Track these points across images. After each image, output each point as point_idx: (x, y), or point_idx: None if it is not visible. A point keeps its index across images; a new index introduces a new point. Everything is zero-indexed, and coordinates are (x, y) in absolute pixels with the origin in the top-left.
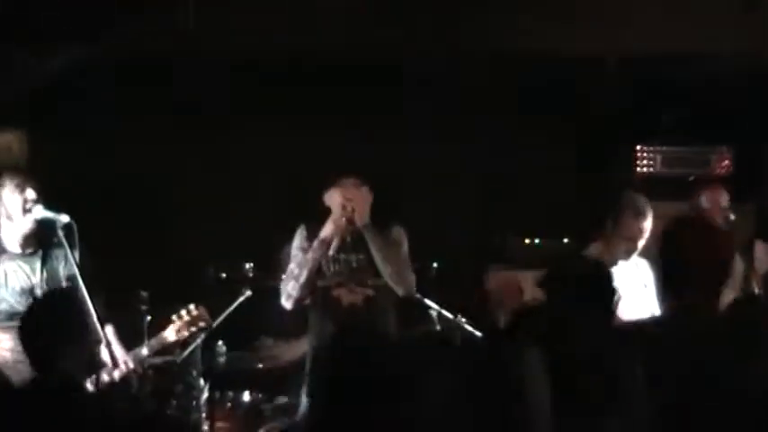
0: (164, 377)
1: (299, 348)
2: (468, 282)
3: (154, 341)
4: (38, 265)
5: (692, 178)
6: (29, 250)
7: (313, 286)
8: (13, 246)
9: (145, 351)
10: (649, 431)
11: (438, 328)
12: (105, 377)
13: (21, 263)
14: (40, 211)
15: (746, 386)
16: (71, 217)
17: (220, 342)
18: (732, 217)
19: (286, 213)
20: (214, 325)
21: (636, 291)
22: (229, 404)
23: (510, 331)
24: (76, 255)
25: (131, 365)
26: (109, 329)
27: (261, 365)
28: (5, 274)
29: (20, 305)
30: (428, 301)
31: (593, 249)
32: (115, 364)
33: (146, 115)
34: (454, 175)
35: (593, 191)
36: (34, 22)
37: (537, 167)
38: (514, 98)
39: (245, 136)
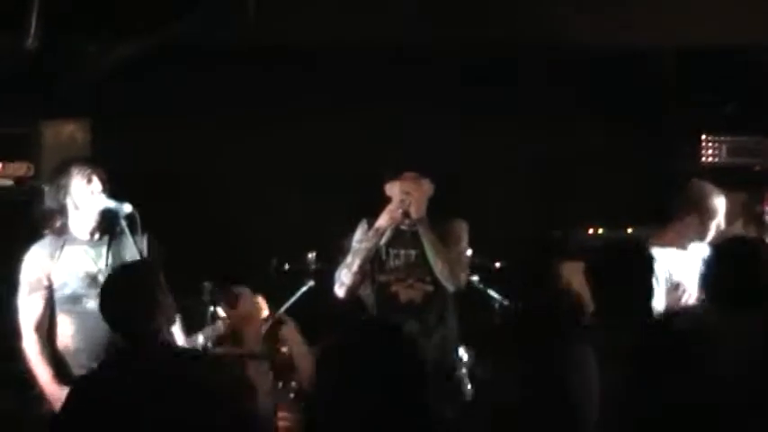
0: None
1: None
2: (532, 274)
3: (209, 329)
4: (103, 251)
5: (757, 168)
6: (96, 237)
7: (364, 275)
8: (81, 233)
9: (201, 339)
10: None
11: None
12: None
13: (87, 248)
14: (104, 201)
15: None
16: (135, 207)
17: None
18: None
19: (349, 205)
20: (280, 311)
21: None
22: (292, 394)
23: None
24: (140, 244)
25: None
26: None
27: None
28: (71, 260)
29: (83, 291)
30: (491, 292)
31: (659, 240)
32: None
33: (209, 105)
34: (519, 168)
35: (659, 181)
36: (99, 11)
37: (601, 159)
38: (582, 91)
39: (310, 127)
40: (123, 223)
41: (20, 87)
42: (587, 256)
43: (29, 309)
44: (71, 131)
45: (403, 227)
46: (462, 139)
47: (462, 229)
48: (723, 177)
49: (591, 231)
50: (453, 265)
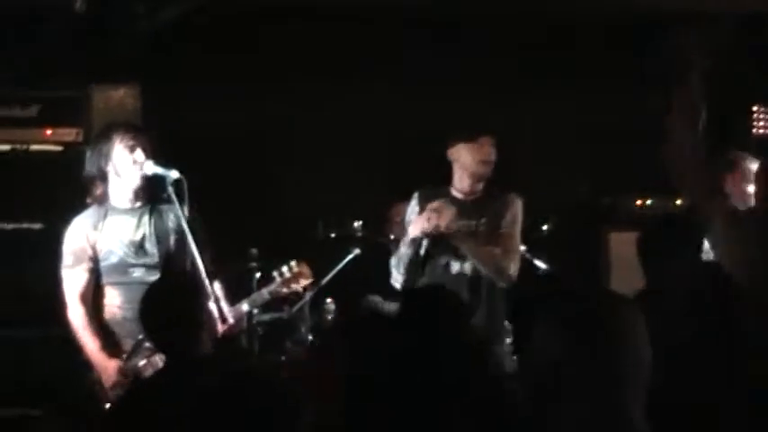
0: (273, 333)
1: None
2: (580, 242)
3: (255, 296)
4: (146, 218)
5: None
6: (137, 204)
7: (417, 275)
8: (122, 201)
9: (245, 306)
10: None
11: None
12: (213, 332)
13: (129, 217)
14: (151, 167)
15: None
16: (181, 173)
17: (329, 300)
18: None
19: (396, 172)
20: (323, 282)
21: None
22: None
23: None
24: (186, 210)
25: (230, 321)
26: (217, 286)
27: None
28: (115, 229)
29: (129, 259)
30: (538, 262)
31: (706, 210)
32: (224, 320)
33: (257, 71)
34: (568, 138)
35: (709, 152)
36: None
37: (652, 129)
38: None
39: (358, 94)
40: (170, 189)
41: (68, 51)
42: (636, 226)
43: (74, 280)
44: (121, 96)
45: (460, 196)
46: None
47: (518, 207)
48: None
49: (639, 202)
50: (501, 261)
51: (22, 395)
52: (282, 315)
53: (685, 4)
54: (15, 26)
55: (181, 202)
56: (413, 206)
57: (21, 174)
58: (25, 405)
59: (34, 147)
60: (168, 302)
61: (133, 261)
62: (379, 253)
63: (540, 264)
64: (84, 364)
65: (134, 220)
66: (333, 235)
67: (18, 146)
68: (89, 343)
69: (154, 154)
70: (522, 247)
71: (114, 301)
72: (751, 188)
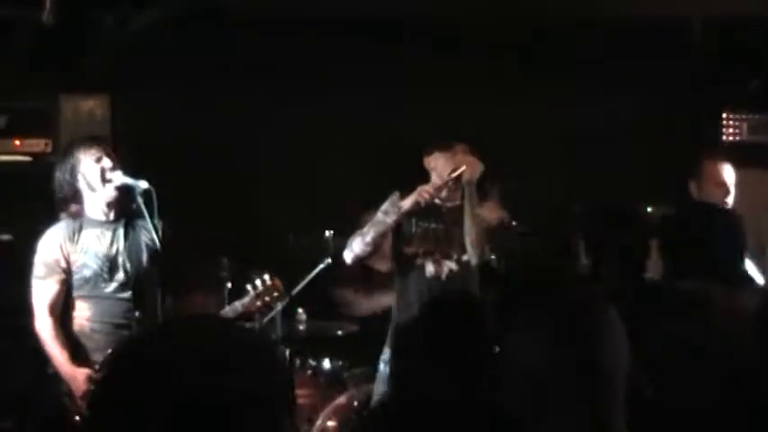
0: None
1: (378, 302)
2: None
3: (228, 309)
4: (120, 233)
5: None
6: (112, 218)
7: (376, 247)
8: (97, 214)
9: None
10: None
11: None
12: None
13: (104, 230)
14: (120, 177)
15: None
16: (151, 183)
17: (300, 309)
18: None
19: (367, 183)
20: (294, 292)
21: None
22: (310, 371)
23: None
24: (156, 221)
25: None
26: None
27: (340, 333)
28: (89, 243)
29: (101, 273)
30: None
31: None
32: None
33: (227, 81)
34: (540, 142)
35: (679, 158)
36: None
37: (621, 135)
38: (602, 64)
39: (331, 101)
40: (139, 200)
41: (37, 62)
42: None
43: (44, 291)
44: (90, 107)
45: (438, 201)
46: (486, 111)
47: (497, 212)
48: (744, 155)
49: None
50: (482, 236)
51: None
52: (254, 325)
53: (656, 8)
54: None
55: (150, 213)
56: (387, 204)
57: None
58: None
59: (3, 157)
60: None
61: (106, 276)
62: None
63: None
64: (54, 376)
65: (109, 234)
66: (303, 244)
67: None
68: (57, 354)
69: (122, 164)
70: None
71: (84, 314)
72: (725, 193)
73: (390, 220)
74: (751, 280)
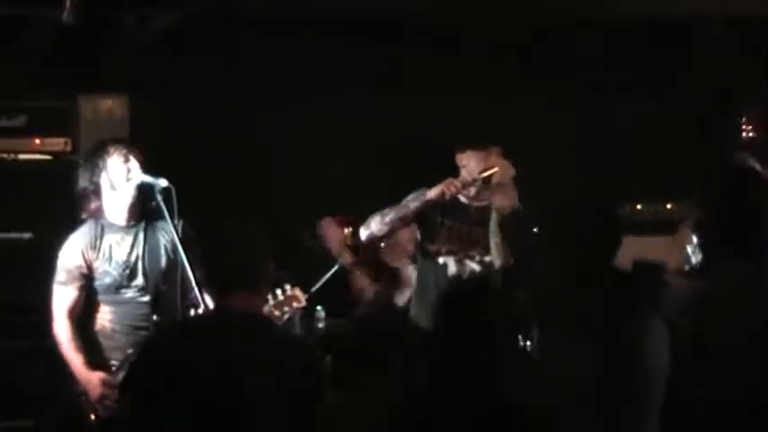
0: None
1: (399, 299)
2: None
3: None
4: (140, 236)
5: None
6: (132, 221)
7: (393, 230)
8: (118, 218)
9: None
10: None
11: None
12: None
13: (124, 235)
14: (139, 175)
15: None
16: (170, 181)
17: (319, 307)
18: None
19: (384, 182)
20: (312, 291)
21: None
22: None
23: None
24: (176, 219)
25: None
26: (207, 297)
27: None
28: (110, 248)
29: (122, 280)
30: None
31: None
32: None
33: (245, 80)
34: (560, 142)
35: (698, 157)
36: None
37: (641, 134)
38: (618, 64)
39: (348, 102)
40: (159, 198)
41: (57, 62)
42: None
43: (64, 296)
44: (108, 106)
45: (464, 200)
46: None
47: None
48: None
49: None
50: (512, 242)
51: (11, 407)
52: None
53: (675, 8)
54: (3, 36)
55: (170, 211)
56: (413, 195)
57: (9, 183)
58: (14, 417)
59: (23, 156)
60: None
61: (126, 283)
62: None
63: None
64: (71, 376)
65: (129, 239)
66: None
67: (6, 155)
68: (74, 358)
69: (143, 164)
70: None
71: (105, 316)
72: None
73: (413, 206)
74: None
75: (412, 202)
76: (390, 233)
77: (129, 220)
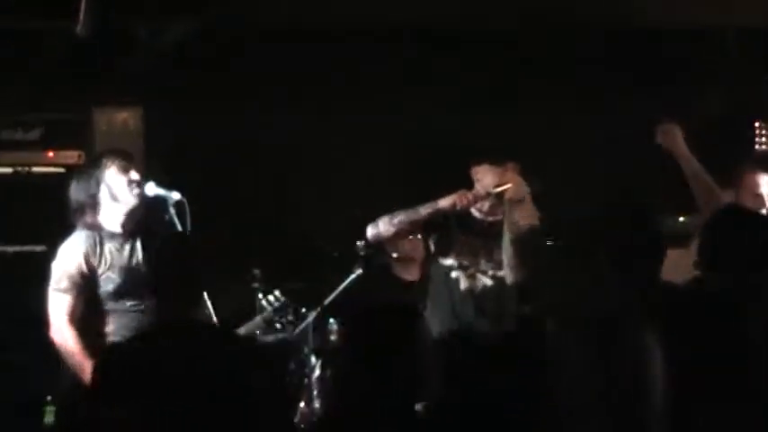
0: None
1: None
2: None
3: (250, 324)
4: (138, 245)
5: None
6: (131, 230)
7: (400, 232)
8: (115, 226)
9: (242, 331)
10: None
11: None
12: None
13: (124, 244)
14: (153, 189)
15: None
16: (183, 194)
17: (332, 320)
18: None
19: (400, 193)
20: (325, 303)
21: None
22: None
23: None
24: (188, 233)
25: None
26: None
27: None
28: (111, 255)
29: (123, 288)
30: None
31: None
32: None
33: (260, 92)
34: (575, 152)
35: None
36: None
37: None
38: (630, 72)
39: (363, 112)
40: (172, 211)
41: (71, 75)
42: None
43: (64, 303)
44: (123, 118)
45: (478, 215)
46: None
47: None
48: None
49: None
50: (524, 258)
51: (23, 416)
52: (286, 336)
53: (690, 18)
54: (17, 49)
55: (183, 224)
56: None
57: (23, 196)
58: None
59: (37, 169)
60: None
61: (126, 290)
62: (383, 273)
63: None
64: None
65: (128, 247)
66: (336, 254)
67: (20, 168)
68: (79, 365)
69: (155, 176)
70: None
71: (107, 326)
72: (762, 204)
73: (424, 212)
74: None
75: (423, 209)
76: (397, 236)
77: (127, 227)
